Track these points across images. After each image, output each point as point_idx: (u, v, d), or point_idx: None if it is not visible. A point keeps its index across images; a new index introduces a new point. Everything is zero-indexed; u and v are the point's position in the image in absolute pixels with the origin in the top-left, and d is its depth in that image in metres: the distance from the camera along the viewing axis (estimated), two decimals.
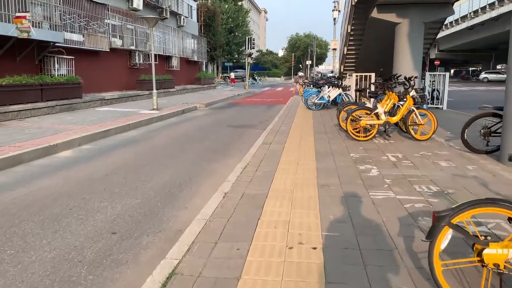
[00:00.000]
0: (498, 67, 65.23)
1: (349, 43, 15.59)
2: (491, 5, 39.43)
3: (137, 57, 19.41)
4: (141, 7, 20.28)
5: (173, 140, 8.70)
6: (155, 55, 21.72)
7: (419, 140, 7.10)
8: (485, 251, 2.03)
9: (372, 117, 7.11)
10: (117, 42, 18.21)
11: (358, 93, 13.48)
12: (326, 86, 14.28)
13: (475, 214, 2.12)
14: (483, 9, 40.73)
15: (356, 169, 5.20)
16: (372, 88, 13.42)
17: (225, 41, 54.16)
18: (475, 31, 44.13)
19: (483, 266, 2.07)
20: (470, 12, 43.28)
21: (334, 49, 26.15)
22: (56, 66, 13.77)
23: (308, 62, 71.97)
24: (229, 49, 57.15)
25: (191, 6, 29.70)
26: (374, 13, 12.01)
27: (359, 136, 7.23)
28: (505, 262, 2.02)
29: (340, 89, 13.64)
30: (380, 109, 7.11)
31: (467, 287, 2.40)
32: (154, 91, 13.63)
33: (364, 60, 16.58)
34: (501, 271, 2.04)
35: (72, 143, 7.65)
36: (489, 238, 2.07)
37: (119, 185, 5.01)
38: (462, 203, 2.11)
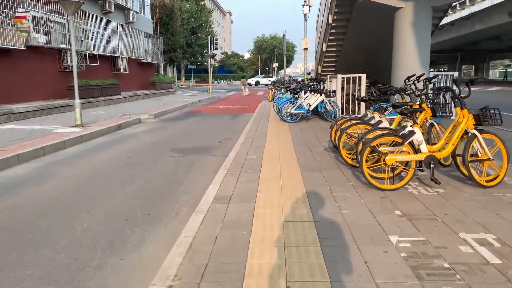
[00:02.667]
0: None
1: (330, 37, 12.74)
2: (462, 4, 38.24)
3: (69, 58, 15.68)
4: None
5: (73, 185, 5.34)
6: (97, 55, 18.07)
7: (486, 186, 4.14)
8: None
9: (405, 149, 4.09)
10: (40, 39, 14.45)
11: (357, 103, 10.58)
12: (303, 92, 11.28)
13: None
14: (453, 8, 39.52)
15: None
16: (362, 92, 10.55)
17: (186, 42, 50.70)
18: (445, 31, 42.98)
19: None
20: None
21: (305, 48, 23.36)
22: None
23: (275, 65, 69.48)
24: (192, 51, 53.65)
25: (143, 1, 26.08)
26: None
27: (381, 181, 4.20)
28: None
29: (323, 95, 10.68)
30: (419, 135, 4.09)
31: None
32: (77, 101, 10.13)
33: (347, 58, 13.81)
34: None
35: None
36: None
37: None
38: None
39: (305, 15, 23.80)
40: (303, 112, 10.54)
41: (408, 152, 4.09)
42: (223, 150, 7.64)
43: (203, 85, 48.18)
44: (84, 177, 5.69)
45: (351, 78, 10.72)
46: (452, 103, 6.82)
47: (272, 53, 71.05)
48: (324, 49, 13.50)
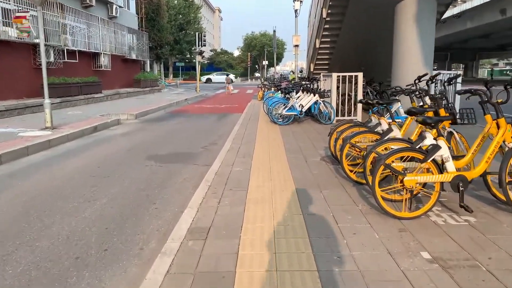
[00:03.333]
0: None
1: (323, 33, 11.91)
2: (454, 1, 37.82)
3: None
4: None
5: (18, 209, 4.41)
6: (76, 51, 16.94)
7: None
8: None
9: (427, 167, 3.27)
10: (11, 33, 13.37)
11: (353, 104, 9.79)
12: (295, 92, 10.45)
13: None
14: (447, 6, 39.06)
15: None
16: (359, 92, 9.77)
17: (174, 39, 49.50)
18: (436, 29, 42.55)
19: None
20: None
21: (296, 45, 22.56)
22: None
23: (265, 62, 68.58)
24: (180, 48, 52.52)
25: None
26: None
27: (396, 206, 3.39)
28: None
29: (317, 95, 9.86)
30: (445, 151, 3.28)
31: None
32: (46, 100, 9.16)
33: (341, 56, 13.02)
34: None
35: None
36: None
37: None
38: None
39: (296, 11, 22.98)
40: (296, 114, 9.71)
41: (432, 172, 3.28)
42: (206, 157, 6.78)
43: (192, 82, 47.09)
44: (37, 195, 4.77)
45: (347, 77, 9.93)
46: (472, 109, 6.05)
47: (262, 50, 70.10)
48: (317, 46, 12.66)
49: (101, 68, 19.60)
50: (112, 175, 5.73)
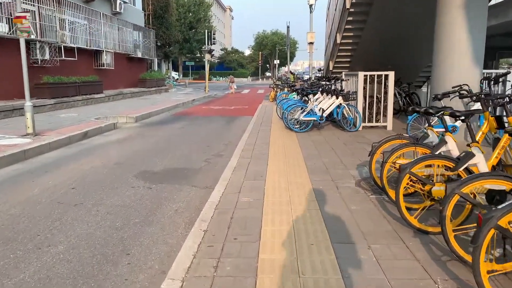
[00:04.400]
0: None
1: (346, 26, 10.48)
2: None
3: (39, 51, 13.46)
4: None
5: None
6: (75, 48, 15.66)
7: None
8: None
9: None
10: (2, 28, 12.24)
11: (382, 108, 8.36)
12: (312, 94, 9.04)
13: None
14: None
15: None
16: (390, 94, 8.36)
17: (184, 37, 48.43)
18: None
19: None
20: None
21: (311, 43, 21.11)
22: None
23: (276, 62, 67.13)
24: (190, 47, 51.45)
25: None
26: None
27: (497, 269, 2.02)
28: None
29: (340, 98, 8.47)
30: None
31: None
32: (27, 103, 7.95)
33: (365, 53, 11.59)
34: None
35: None
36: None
37: None
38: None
39: (310, 6, 21.50)
40: (315, 119, 8.33)
41: None
42: (208, 176, 5.46)
43: (201, 82, 46.01)
44: None
45: (375, 76, 8.51)
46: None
47: (273, 49, 68.73)
48: (338, 41, 11.22)
49: (104, 66, 18.45)
50: (86, 201, 4.45)
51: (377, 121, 8.75)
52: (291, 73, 27.16)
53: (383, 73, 8.43)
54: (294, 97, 11.40)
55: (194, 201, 4.43)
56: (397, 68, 9.20)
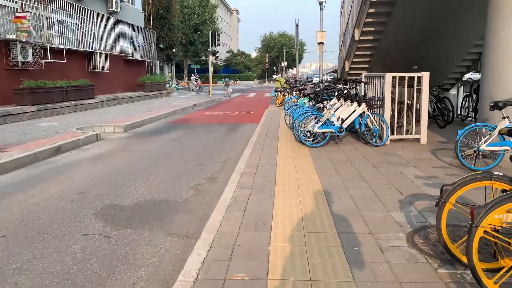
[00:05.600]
0: None
1: (366, 20, 8.91)
2: None
3: (19, 52, 12.11)
4: None
5: None
6: (63, 50, 14.07)
7: None
8: None
9: None
10: None
11: (414, 117, 6.79)
12: (328, 100, 7.49)
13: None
14: None
15: None
16: (424, 100, 6.80)
17: (189, 40, 47.19)
18: None
19: None
20: None
21: (321, 42, 19.64)
22: None
23: (284, 64, 65.62)
24: (195, 49, 50.17)
25: None
26: None
27: None
28: None
29: (363, 104, 6.92)
30: None
31: None
32: None
33: (389, 51, 10.01)
34: None
35: None
36: None
37: None
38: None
39: (321, 3, 20.05)
40: (333, 131, 6.80)
41: None
42: (191, 217, 3.97)
43: (206, 85, 44.65)
44: None
45: (406, 78, 6.97)
46: None
47: (280, 51, 67.31)
48: (356, 38, 9.66)
49: (97, 69, 17.09)
50: (8, 264, 2.99)
51: (407, 132, 7.19)
52: (334, 71, 25.67)
53: (416, 74, 6.88)
54: (304, 102, 9.90)
55: (165, 266, 2.95)
56: (423, 69, 7.67)
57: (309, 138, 6.96)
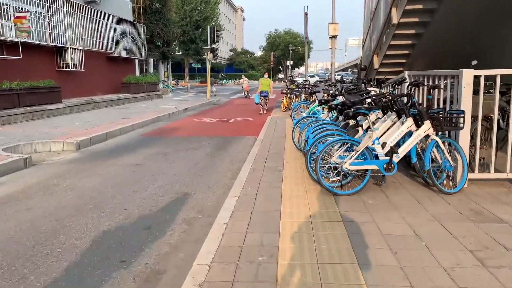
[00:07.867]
0: None
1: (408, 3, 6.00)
2: None
3: None
4: None
5: None
6: (19, 43, 11.32)
7: None
8: None
9: None
10: None
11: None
12: (363, 114, 4.64)
13: None
14: None
15: None
16: None
17: (190, 37, 44.61)
18: None
19: None
20: None
21: (333, 36, 16.71)
22: None
23: (290, 62, 62.62)
24: (196, 47, 47.50)
25: None
26: None
27: None
28: None
29: (427, 123, 4.10)
30: None
31: None
32: None
33: (435, 43, 7.12)
34: None
35: None
36: None
37: None
38: None
39: None
40: (376, 168, 4.01)
41: None
42: None
43: (206, 86, 41.97)
44: None
45: (498, 77, 4.15)
46: None
47: (286, 50, 64.39)
48: (395, 21, 6.75)
49: (69, 68, 14.41)
50: None
51: (498, 170, 4.35)
52: (362, 69, 22.11)
53: (508, 71, 4.08)
54: (317, 110, 7.11)
55: None
56: (486, 65, 4.81)
57: (333, 178, 4.17)
